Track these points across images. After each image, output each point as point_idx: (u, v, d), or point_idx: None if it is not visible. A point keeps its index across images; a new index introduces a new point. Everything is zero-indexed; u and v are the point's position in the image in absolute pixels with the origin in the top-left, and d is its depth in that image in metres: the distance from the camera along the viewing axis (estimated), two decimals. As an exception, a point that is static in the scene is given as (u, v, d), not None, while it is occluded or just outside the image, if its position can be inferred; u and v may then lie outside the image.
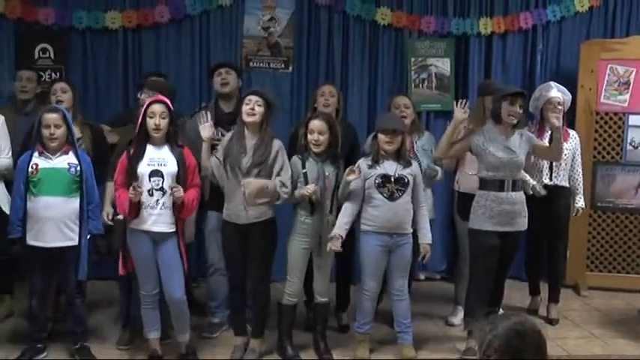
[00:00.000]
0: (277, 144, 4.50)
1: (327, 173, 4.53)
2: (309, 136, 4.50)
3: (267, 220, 4.50)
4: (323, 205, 4.54)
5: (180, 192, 4.17)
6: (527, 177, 5.04)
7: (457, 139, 4.80)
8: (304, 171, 4.53)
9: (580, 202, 5.52)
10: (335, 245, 4.47)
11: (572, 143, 5.48)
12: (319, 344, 4.74)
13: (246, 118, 4.43)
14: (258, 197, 4.37)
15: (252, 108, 4.40)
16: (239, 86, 5.19)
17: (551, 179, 5.37)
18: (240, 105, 4.59)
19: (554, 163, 5.33)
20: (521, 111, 4.59)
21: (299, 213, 4.57)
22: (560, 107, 5.31)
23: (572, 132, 5.58)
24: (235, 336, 4.73)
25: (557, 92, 5.37)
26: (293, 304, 4.67)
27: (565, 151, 5.31)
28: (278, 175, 4.44)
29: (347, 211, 4.55)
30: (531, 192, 5.02)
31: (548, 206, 5.30)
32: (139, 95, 4.86)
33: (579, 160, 5.53)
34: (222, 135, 4.83)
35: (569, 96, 5.52)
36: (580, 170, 5.53)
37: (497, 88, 5.05)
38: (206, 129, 4.50)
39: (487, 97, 5.09)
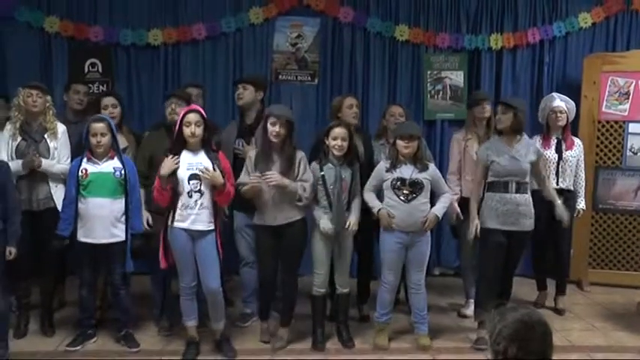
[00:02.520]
0: (300, 155, 4.57)
1: (343, 176, 4.58)
2: (334, 142, 4.54)
3: (297, 221, 4.57)
4: (340, 204, 4.58)
5: (211, 176, 4.23)
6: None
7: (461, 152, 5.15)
8: (322, 174, 4.58)
9: (581, 204, 5.55)
10: (388, 216, 4.52)
11: (577, 150, 5.49)
12: (342, 332, 4.79)
13: (273, 139, 4.48)
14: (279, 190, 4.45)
15: (278, 130, 4.45)
16: (259, 99, 5.14)
17: (557, 184, 5.36)
18: (259, 117, 4.69)
19: (560, 169, 5.37)
20: (509, 115, 4.57)
21: (321, 211, 4.62)
22: (562, 115, 5.35)
23: (576, 140, 5.58)
24: (261, 320, 4.81)
25: (560, 102, 5.41)
26: (322, 294, 4.72)
27: (570, 158, 5.39)
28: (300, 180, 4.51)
29: (371, 196, 4.64)
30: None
31: (554, 208, 5.27)
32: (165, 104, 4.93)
33: (582, 166, 5.55)
34: (243, 146, 4.92)
35: (572, 104, 5.54)
36: (583, 175, 5.56)
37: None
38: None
39: (474, 108, 5.26)
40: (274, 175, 4.39)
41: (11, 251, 4.31)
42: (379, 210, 4.56)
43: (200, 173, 4.24)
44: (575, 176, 5.50)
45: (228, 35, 6.34)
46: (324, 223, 4.55)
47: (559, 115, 5.35)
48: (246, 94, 5.06)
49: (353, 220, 4.61)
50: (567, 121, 5.46)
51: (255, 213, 4.62)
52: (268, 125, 4.48)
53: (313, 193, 4.55)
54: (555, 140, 5.44)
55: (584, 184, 5.57)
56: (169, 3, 6.25)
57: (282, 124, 4.46)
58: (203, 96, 5.52)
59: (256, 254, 4.84)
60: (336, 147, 4.53)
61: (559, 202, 4.85)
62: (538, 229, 4.83)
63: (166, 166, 4.23)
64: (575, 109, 5.60)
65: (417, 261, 4.63)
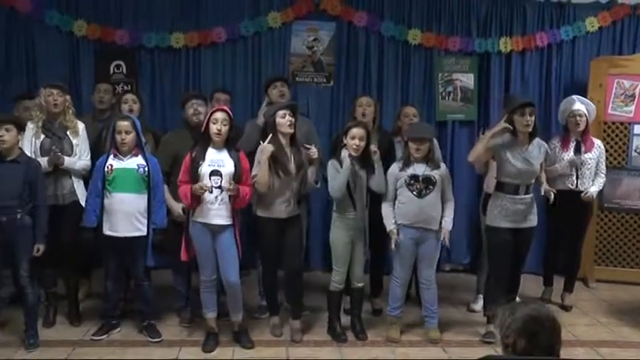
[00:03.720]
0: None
1: (361, 175, 4.58)
2: (351, 142, 4.52)
3: (298, 214, 4.66)
4: (362, 202, 4.59)
5: (232, 190, 4.27)
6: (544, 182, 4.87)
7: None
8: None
9: (592, 188, 5.30)
10: (396, 238, 4.56)
11: (597, 152, 5.37)
12: (355, 325, 4.79)
13: (289, 130, 4.49)
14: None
15: (291, 120, 4.48)
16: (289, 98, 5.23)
17: (576, 186, 5.27)
18: None
19: (579, 171, 5.27)
20: (532, 118, 4.49)
21: (343, 209, 4.59)
22: (582, 119, 5.29)
23: (596, 142, 5.45)
24: (271, 316, 4.83)
25: (579, 105, 5.34)
26: (340, 290, 4.72)
27: (589, 161, 5.31)
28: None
29: (388, 212, 4.62)
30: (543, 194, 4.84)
31: (572, 209, 5.23)
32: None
33: (603, 166, 5.41)
34: None
35: (592, 106, 5.49)
36: (603, 174, 5.40)
37: (511, 100, 5.01)
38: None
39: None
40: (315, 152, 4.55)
41: (39, 248, 4.36)
42: (390, 230, 4.59)
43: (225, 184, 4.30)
44: (596, 175, 5.35)
45: (247, 38, 6.34)
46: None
47: (578, 118, 5.27)
48: (286, 91, 5.14)
49: None
50: (587, 124, 5.36)
51: (259, 205, 4.59)
52: (278, 119, 4.47)
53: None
54: (574, 142, 5.33)
55: (602, 180, 5.39)
56: (191, 7, 6.26)
57: (292, 114, 4.50)
58: (231, 101, 5.55)
59: (260, 246, 4.78)
60: (354, 146, 4.52)
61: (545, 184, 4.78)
62: (555, 229, 4.78)
63: (198, 191, 4.25)
64: (594, 111, 5.53)
65: (427, 257, 4.63)
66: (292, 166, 4.51)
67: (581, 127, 5.31)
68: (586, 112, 5.35)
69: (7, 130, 4.27)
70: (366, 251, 4.74)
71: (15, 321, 4.67)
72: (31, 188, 4.35)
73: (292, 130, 4.49)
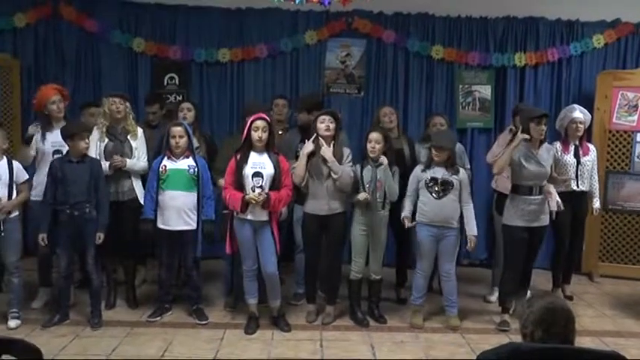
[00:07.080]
0: (347, 151, 4.58)
1: (379, 177, 4.54)
2: (369, 145, 4.53)
3: (340, 212, 4.57)
4: (375, 202, 4.55)
5: (259, 198, 4.22)
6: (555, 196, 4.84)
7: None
8: (362, 175, 4.56)
9: (597, 204, 5.37)
10: (408, 223, 4.56)
11: (592, 156, 5.32)
12: (374, 311, 4.78)
13: (326, 133, 4.46)
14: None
15: (327, 125, 4.46)
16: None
17: (578, 186, 5.21)
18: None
19: (579, 173, 5.20)
20: (546, 128, 4.49)
21: (357, 208, 4.61)
22: (581, 126, 5.21)
23: (591, 146, 5.40)
24: (308, 303, 4.79)
25: (579, 113, 5.26)
26: (359, 279, 4.70)
27: (587, 163, 5.25)
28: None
29: (406, 203, 4.60)
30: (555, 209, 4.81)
31: (574, 208, 5.17)
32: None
33: (596, 170, 5.37)
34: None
35: (589, 116, 5.40)
36: (596, 177, 5.38)
37: (526, 110, 4.92)
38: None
39: (517, 117, 5.03)
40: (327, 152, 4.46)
41: (100, 236, 4.40)
42: (403, 216, 4.58)
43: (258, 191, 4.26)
44: (591, 178, 5.31)
45: (285, 54, 6.35)
46: (361, 195, 4.50)
47: (579, 125, 5.20)
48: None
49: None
50: (584, 130, 5.30)
51: (306, 202, 4.61)
52: (318, 124, 4.49)
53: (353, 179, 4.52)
54: (573, 146, 5.25)
55: (597, 185, 5.40)
56: (236, 26, 6.30)
57: (330, 120, 4.48)
58: (289, 105, 5.57)
59: (303, 239, 4.80)
60: (370, 149, 4.52)
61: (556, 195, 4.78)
62: (560, 227, 4.70)
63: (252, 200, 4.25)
64: (590, 119, 5.46)
65: (446, 252, 4.59)
66: (325, 168, 4.48)
67: (581, 133, 5.24)
68: (584, 120, 5.27)
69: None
70: (383, 245, 4.73)
71: (82, 303, 4.74)
72: (95, 185, 4.40)
73: (329, 133, 4.47)
